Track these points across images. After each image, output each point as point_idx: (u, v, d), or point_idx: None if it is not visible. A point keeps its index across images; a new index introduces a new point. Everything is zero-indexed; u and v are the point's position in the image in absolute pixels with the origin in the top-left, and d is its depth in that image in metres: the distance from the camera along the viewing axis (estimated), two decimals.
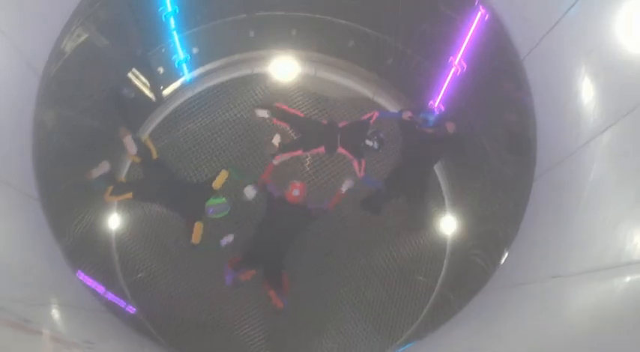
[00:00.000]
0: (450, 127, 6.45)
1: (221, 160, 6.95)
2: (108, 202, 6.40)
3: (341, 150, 6.65)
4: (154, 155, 6.54)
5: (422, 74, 6.51)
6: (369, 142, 6.47)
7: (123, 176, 6.75)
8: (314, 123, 6.77)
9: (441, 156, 6.79)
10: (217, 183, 6.41)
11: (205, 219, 6.41)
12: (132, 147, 6.40)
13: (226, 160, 6.94)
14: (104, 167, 6.26)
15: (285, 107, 6.82)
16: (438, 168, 7.14)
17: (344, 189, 6.56)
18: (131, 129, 6.50)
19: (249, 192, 6.53)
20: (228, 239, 6.46)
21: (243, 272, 6.36)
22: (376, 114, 6.65)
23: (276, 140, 6.75)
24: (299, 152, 6.68)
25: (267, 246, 6.39)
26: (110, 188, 6.26)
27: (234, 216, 6.70)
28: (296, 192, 6.35)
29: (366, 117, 6.64)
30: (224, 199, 6.35)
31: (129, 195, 6.37)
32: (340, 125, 6.71)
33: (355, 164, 6.59)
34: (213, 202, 6.31)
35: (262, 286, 6.43)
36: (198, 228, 6.28)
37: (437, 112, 6.60)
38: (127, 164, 6.96)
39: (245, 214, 6.81)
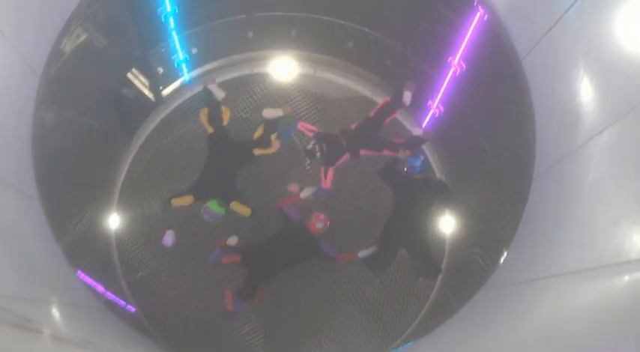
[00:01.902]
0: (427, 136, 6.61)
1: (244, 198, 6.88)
2: (200, 119, 6.60)
3: (363, 152, 6.55)
4: (225, 121, 6.61)
5: (421, 74, 6.50)
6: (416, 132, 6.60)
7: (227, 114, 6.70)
8: (330, 137, 6.56)
9: (432, 202, 6.44)
10: (235, 206, 6.35)
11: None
12: (220, 92, 6.56)
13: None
14: (220, 93, 6.60)
15: (304, 127, 6.67)
16: (437, 169, 7.15)
17: (360, 255, 6.34)
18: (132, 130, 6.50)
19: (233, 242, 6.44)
20: (232, 241, 6.39)
21: (230, 255, 6.25)
22: (383, 101, 6.54)
23: (293, 188, 6.66)
24: (330, 171, 6.46)
25: (265, 259, 6.27)
26: (207, 110, 6.49)
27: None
28: (320, 225, 6.23)
29: (372, 113, 6.53)
30: (223, 211, 6.26)
31: (211, 129, 6.48)
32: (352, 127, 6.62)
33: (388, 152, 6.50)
34: (214, 207, 6.22)
35: (234, 284, 6.34)
36: (187, 199, 6.29)
37: (422, 157, 6.60)
38: (126, 168, 6.98)
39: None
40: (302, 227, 6.29)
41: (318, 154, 6.32)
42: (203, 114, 6.54)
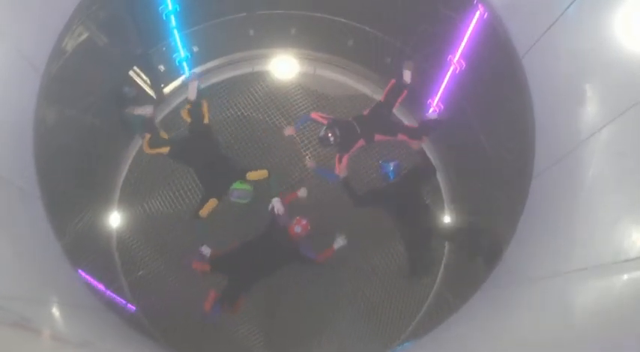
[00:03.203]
0: (416, 145, 6.56)
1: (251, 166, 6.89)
2: (149, 153, 6.40)
3: (378, 137, 6.50)
4: (206, 119, 6.50)
5: (421, 73, 6.50)
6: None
7: (165, 133, 6.61)
8: (343, 123, 6.51)
9: (419, 194, 6.49)
10: (252, 176, 6.34)
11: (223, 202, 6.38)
12: (193, 92, 6.46)
13: None
14: (147, 109, 6.33)
15: (318, 116, 6.60)
16: (437, 169, 7.14)
17: (336, 246, 6.34)
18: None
19: (277, 204, 6.27)
20: (206, 250, 6.27)
21: (200, 262, 6.17)
22: (390, 83, 6.48)
23: (303, 193, 6.67)
24: (345, 158, 6.42)
25: (241, 266, 6.20)
26: (148, 137, 6.27)
27: (237, 217, 6.68)
28: (297, 229, 6.11)
29: (382, 97, 6.50)
30: (250, 188, 6.25)
31: (165, 149, 6.33)
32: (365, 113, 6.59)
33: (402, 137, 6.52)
34: (239, 186, 6.22)
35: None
36: (212, 203, 6.21)
37: (394, 162, 6.54)
38: (127, 167, 6.99)
39: (248, 222, 6.71)
40: (282, 231, 6.17)
41: (332, 140, 6.30)
42: (145, 145, 6.38)
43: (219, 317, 6.21)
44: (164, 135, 6.49)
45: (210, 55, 7.28)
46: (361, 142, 6.45)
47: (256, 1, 6.89)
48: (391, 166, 6.42)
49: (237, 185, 6.23)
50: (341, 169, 6.40)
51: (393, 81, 6.45)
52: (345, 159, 6.39)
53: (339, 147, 6.41)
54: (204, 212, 6.19)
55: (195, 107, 6.47)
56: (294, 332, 6.74)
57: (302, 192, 6.61)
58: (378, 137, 6.48)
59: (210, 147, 6.49)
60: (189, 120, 6.50)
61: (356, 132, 6.38)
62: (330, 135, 6.26)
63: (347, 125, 6.41)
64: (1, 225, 3.56)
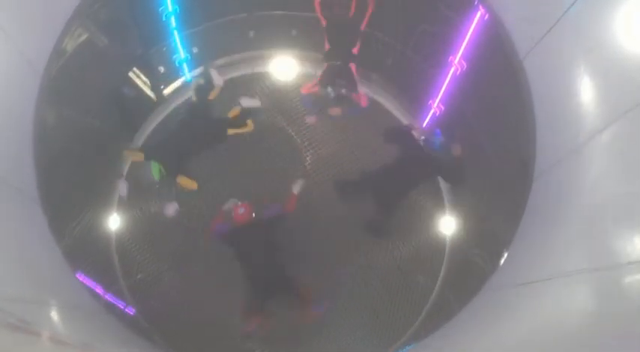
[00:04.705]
0: (457, 150, 6.39)
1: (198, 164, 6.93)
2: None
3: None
4: (212, 96, 6.80)
5: (421, 74, 6.50)
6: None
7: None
8: (334, 68, 6.61)
9: (425, 179, 6.52)
10: (232, 113, 6.66)
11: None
12: (218, 78, 6.87)
13: (225, 160, 6.93)
14: (122, 189, 6.61)
15: (308, 87, 6.80)
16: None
17: (295, 190, 6.36)
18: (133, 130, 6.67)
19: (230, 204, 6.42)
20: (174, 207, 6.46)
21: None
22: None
23: (296, 188, 6.58)
24: (360, 92, 6.54)
25: (266, 274, 6.16)
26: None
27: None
28: (241, 210, 6.11)
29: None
30: (158, 177, 6.49)
31: (140, 156, 6.51)
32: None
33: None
34: (152, 168, 6.47)
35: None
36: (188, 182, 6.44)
37: (442, 139, 6.46)
38: (126, 168, 7.00)
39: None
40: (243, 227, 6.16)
41: (334, 93, 6.50)
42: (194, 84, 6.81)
43: (223, 236, 6.24)
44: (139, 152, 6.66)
45: (210, 55, 7.27)
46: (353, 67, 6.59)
47: (256, 2, 6.89)
48: (438, 141, 6.38)
49: (154, 166, 6.45)
50: (361, 98, 6.53)
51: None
52: (361, 92, 6.53)
53: (346, 89, 6.54)
54: (127, 153, 6.55)
55: (204, 88, 6.77)
56: (293, 334, 6.72)
57: (296, 188, 6.51)
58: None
59: (208, 127, 6.72)
60: (194, 98, 6.78)
61: (347, 68, 6.54)
62: (330, 90, 6.43)
63: (335, 69, 6.56)
64: (1, 228, 3.56)
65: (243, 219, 6.11)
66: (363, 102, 6.46)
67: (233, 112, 6.81)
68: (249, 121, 6.74)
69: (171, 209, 6.53)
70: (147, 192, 6.82)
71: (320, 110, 6.92)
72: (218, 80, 6.87)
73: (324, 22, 6.52)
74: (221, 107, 7.04)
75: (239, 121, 6.74)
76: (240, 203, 6.21)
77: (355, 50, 6.56)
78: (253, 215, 6.17)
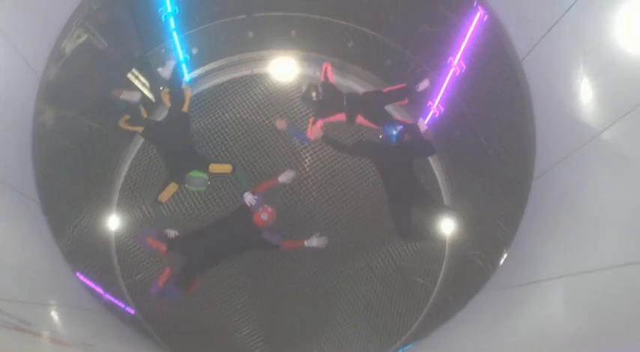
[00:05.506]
0: (422, 126, 6.30)
1: (220, 160, 6.92)
2: (123, 128, 6.28)
3: (360, 119, 6.39)
4: (186, 108, 6.45)
5: (421, 74, 6.50)
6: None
7: (145, 112, 6.57)
8: (334, 90, 6.44)
9: (412, 160, 6.33)
10: (214, 168, 6.24)
11: (182, 189, 6.43)
12: (168, 71, 6.38)
13: (225, 160, 6.92)
14: (134, 95, 6.33)
15: (326, 69, 6.58)
16: (437, 169, 7.15)
17: (307, 243, 6.19)
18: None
19: (247, 197, 6.03)
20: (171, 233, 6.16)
21: (157, 241, 5.97)
22: (401, 85, 6.42)
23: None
24: (319, 123, 6.29)
25: (202, 249, 6.04)
26: (127, 117, 6.26)
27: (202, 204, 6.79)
28: (264, 217, 5.87)
29: (386, 90, 6.47)
30: (205, 175, 6.15)
31: (140, 128, 6.30)
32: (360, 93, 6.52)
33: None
34: (195, 175, 6.11)
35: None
36: (172, 188, 6.19)
37: (400, 126, 6.13)
38: (125, 170, 7.00)
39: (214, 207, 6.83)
40: (246, 217, 5.97)
41: (314, 97, 6.27)
42: (122, 121, 6.28)
43: (174, 295, 6.02)
44: (144, 113, 6.50)
45: (210, 57, 7.28)
46: (342, 116, 6.39)
47: (256, 3, 6.88)
48: (395, 130, 6.04)
49: (193, 173, 6.13)
50: (313, 131, 6.29)
51: (404, 85, 6.44)
52: (319, 123, 6.29)
53: (318, 109, 6.37)
54: (163, 197, 6.18)
55: (175, 93, 6.42)
56: (293, 334, 6.73)
57: (285, 177, 6.32)
58: (360, 119, 6.42)
59: (182, 135, 6.41)
60: (169, 104, 6.46)
61: (341, 104, 6.35)
62: (313, 93, 6.25)
63: (336, 94, 6.42)
64: (0, 228, 3.56)
65: (262, 224, 5.92)
66: (312, 134, 6.31)
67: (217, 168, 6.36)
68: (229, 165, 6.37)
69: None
70: (147, 191, 6.83)
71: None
72: (166, 72, 6.36)
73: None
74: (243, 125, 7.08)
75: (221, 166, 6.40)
76: (269, 208, 5.95)
77: (359, 119, 6.41)
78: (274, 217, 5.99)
